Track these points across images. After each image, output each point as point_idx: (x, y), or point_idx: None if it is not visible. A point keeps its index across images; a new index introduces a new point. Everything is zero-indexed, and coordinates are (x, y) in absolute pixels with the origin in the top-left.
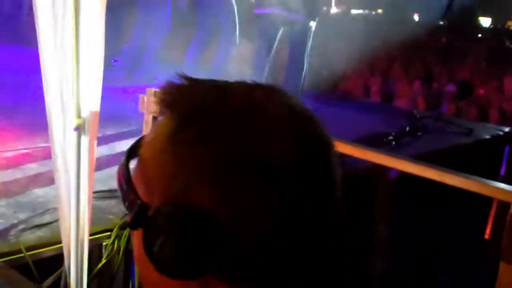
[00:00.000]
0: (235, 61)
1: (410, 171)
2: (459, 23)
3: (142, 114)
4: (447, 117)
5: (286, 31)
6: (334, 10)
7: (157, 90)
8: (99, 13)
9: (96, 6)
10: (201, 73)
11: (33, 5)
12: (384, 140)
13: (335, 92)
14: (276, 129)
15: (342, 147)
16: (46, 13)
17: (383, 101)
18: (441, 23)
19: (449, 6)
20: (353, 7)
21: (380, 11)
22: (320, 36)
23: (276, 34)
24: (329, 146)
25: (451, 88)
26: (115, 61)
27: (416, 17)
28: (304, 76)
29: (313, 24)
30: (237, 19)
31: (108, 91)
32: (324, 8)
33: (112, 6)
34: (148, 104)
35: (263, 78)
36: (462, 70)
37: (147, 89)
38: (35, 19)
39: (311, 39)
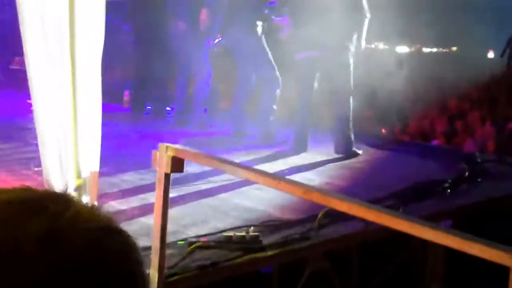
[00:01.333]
0: (279, 105)
1: (427, 238)
2: None
3: None
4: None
5: (325, 72)
6: (405, 49)
7: (169, 145)
8: (95, 72)
9: (92, 66)
10: (248, 118)
11: (25, 64)
12: (438, 188)
13: (394, 134)
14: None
15: (356, 210)
16: (41, 68)
17: (447, 143)
18: None
19: (509, 42)
20: (425, 46)
21: (454, 48)
22: (386, 74)
23: (316, 76)
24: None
25: None
26: (171, 108)
27: (491, 54)
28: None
29: (352, 60)
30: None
31: (153, 136)
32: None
33: (159, 56)
34: (160, 161)
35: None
36: None
37: (159, 144)
38: (28, 75)
39: (352, 75)
